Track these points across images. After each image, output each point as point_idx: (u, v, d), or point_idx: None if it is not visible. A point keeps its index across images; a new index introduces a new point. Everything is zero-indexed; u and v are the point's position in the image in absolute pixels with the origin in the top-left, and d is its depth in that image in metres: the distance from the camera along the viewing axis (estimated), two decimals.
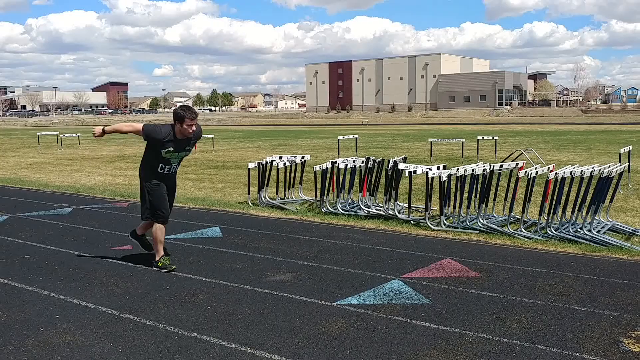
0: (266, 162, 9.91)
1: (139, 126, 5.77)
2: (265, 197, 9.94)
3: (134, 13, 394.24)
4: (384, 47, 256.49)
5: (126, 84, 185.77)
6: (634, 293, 5.09)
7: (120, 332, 4.30)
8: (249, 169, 10.07)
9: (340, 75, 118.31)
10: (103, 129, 5.85)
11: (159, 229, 5.98)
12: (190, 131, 5.76)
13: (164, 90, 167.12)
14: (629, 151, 11.96)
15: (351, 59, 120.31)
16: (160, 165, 5.87)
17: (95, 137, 5.90)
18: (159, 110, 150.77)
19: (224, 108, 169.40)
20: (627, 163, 10.97)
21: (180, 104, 6.96)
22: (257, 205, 9.85)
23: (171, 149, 5.78)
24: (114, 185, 13.41)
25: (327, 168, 9.15)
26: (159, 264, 5.97)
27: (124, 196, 11.35)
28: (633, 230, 7.54)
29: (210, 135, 27.07)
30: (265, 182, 9.92)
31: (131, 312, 4.72)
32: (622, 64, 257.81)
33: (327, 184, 9.24)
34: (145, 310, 4.76)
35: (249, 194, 10.22)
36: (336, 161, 9.27)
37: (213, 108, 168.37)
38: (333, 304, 4.89)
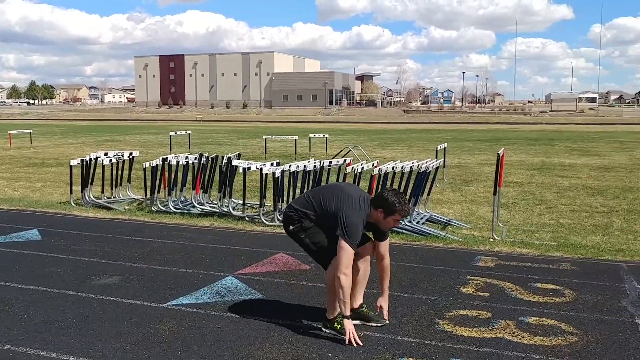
0: (90, 159, 9.34)
1: (350, 251, 4.00)
2: (89, 197, 9.36)
3: None
4: (217, 42, 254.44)
5: None
6: (448, 278, 5.55)
7: None
8: (71, 167, 9.42)
9: (172, 69, 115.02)
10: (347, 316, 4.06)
11: (331, 277, 4.19)
12: (391, 227, 4.27)
13: None
14: (445, 148, 13.05)
15: (184, 52, 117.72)
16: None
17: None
18: None
19: (44, 101, 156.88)
20: (443, 159, 11.96)
21: (394, 189, 4.37)
22: (81, 205, 9.25)
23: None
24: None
25: (157, 165, 8.85)
26: (337, 325, 4.21)
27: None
28: (448, 220, 8.23)
29: (28, 131, 24.92)
30: (90, 180, 9.35)
31: None
32: (440, 67, 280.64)
33: (157, 182, 8.93)
34: None
35: (71, 193, 9.56)
36: (167, 157, 8.99)
37: (31, 101, 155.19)
38: (164, 305, 4.74)
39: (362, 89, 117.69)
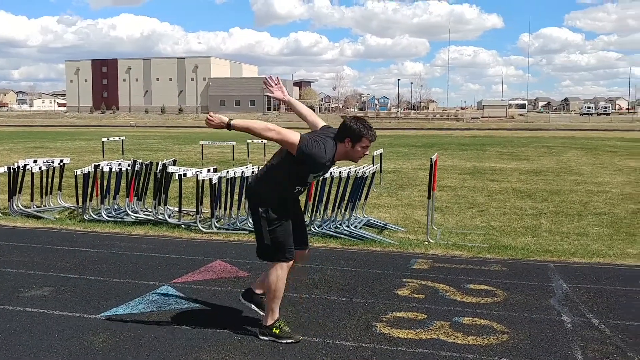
0: (18, 167, 8.98)
1: (292, 136, 3.87)
2: (17, 206, 9.00)
3: None
4: (152, 46, 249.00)
5: None
6: (385, 281, 5.63)
7: None
8: None
9: (104, 74, 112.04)
10: (229, 123, 3.94)
11: (280, 276, 4.12)
12: (361, 156, 4.09)
13: None
14: (381, 154, 13.25)
15: (117, 57, 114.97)
16: (297, 187, 4.13)
17: (210, 125, 3.97)
18: None
19: None
20: (379, 164, 12.15)
21: (352, 115, 4.21)
22: (8, 215, 8.88)
23: (322, 172, 4.14)
24: None
25: (89, 172, 8.59)
26: (276, 330, 4.16)
27: None
28: (384, 225, 8.36)
29: None
30: (18, 188, 8.99)
31: None
32: (376, 74, 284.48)
33: (89, 190, 8.68)
34: None
35: None
36: (99, 164, 8.75)
37: None
38: (97, 316, 4.60)
39: (300, 95, 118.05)
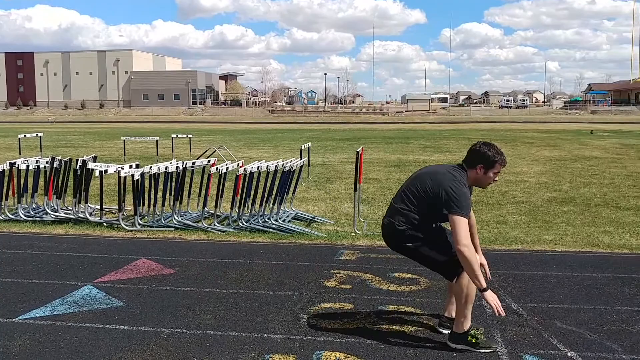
0: None
1: (465, 224, 3.71)
2: None
3: None
4: (71, 40, 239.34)
5: None
6: (314, 273, 5.68)
7: None
8: None
9: (20, 68, 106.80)
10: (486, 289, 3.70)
11: (465, 284, 3.82)
12: (491, 183, 4.02)
13: None
14: (309, 147, 13.31)
15: (33, 50, 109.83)
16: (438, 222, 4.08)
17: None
18: None
19: None
20: (307, 158, 12.20)
21: (481, 141, 4.10)
22: None
23: None
24: None
25: (4, 170, 8.19)
26: (472, 339, 3.90)
27: None
28: (313, 218, 8.42)
29: None
30: None
31: None
32: (303, 68, 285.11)
33: (5, 188, 8.27)
34: None
35: None
36: (16, 162, 8.35)
37: None
38: (14, 319, 4.41)
39: (226, 89, 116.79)
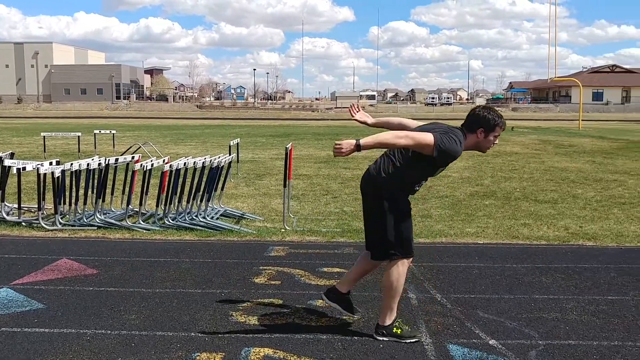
0: None
1: (427, 138, 3.71)
2: None
3: None
4: None
5: None
6: (242, 270, 5.64)
7: None
8: None
9: None
10: (358, 144, 3.76)
11: (401, 273, 3.95)
12: (491, 147, 4.01)
13: None
14: (237, 143, 13.20)
15: None
16: (420, 183, 4.04)
17: (340, 154, 3.76)
18: None
19: None
20: (236, 154, 12.10)
21: (480, 105, 4.25)
22: None
23: (444, 167, 4.03)
24: None
25: None
26: (397, 330, 4.00)
27: None
28: (242, 214, 8.36)
29: None
30: None
31: None
32: (232, 64, 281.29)
33: None
34: None
35: None
36: None
37: None
38: None
39: (152, 83, 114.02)
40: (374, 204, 3.99)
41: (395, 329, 3.99)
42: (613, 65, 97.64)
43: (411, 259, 4.08)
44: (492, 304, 4.76)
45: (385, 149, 4.09)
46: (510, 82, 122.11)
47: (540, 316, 4.50)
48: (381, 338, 3.99)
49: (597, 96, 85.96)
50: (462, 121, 4.00)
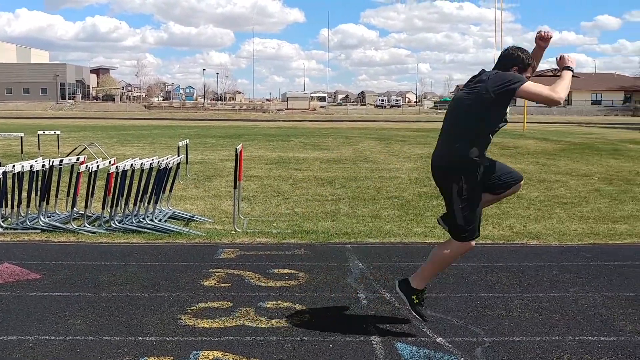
0: None
1: (532, 84, 3.85)
2: None
3: None
4: None
5: None
6: (191, 273, 5.58)
7: None
8: None
9: None
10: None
11: (451, 254, 4.07)
12: None
13: None
14: (187, 144, 13.03)
15: None
16: (489, 137, 3.99)
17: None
18: None
19: None
20: (185, 155, 11.94)
21: (513, 45, 4.19)
22: None
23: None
24: None
25: None
26: (415, 298, 4.13)
27: None
28: (191, 216, 8.26)
29: None
30: None
31: None
32: (181, 63, 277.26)
33: None
34: None
35: None
36: None
37: None
38: None
39: (98, 83, 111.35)
40: (446, 187, 4.00)
41: (414, 296, 4.13)
42: (556, 69, 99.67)
43: (472, 245, 4.10)
44: (439, 302, 4.85)
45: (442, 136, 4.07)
46: (457, 85, 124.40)
47: (485, 314, 4.61)
48: (399, 291, 4.16)
49: None
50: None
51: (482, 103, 3.82)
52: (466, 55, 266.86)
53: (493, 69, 4.03)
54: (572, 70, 3.96)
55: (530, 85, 3.80)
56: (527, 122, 39.80)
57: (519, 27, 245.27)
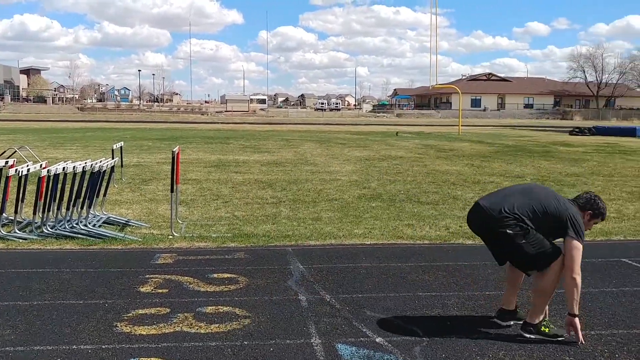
0: None
1: (577, 253, 4.10)
2: None
3: None
4: None
5: None
6: (127, 279, 5.44)
7: None
8: None
9: None
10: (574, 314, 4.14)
11: (553, 279, 4.21)
12: (585, 231, 4.22)
13: None
14: (121, 147, 12.72)
15: None
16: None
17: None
18: None
19: None
20: (120, 158, 11.65)
21: (593, 192, 4.49)
22: None
23: None
24: None
25: None
26: (545, 329, 4.23)
27: None
28: (126, 221, 8.06)
29: None
30: None
31: None
32: (115, 64, 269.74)
33: None
34: None
35: None
36: None
37: None
38: None
39: (29, 84, 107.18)
40: (501, 237, 4.21)
41: (543, 327, 4.23)
42: (489, 74, 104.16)
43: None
44: (379, 302, 4.91)
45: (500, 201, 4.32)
46: (395, 89, 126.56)
47: (423, 313, 4.70)
48: (528, 335, 4.21)
49: (476, 103, 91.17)
50: (575, 195, 4.49)
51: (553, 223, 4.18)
52: (403, 59, 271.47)
53: (574, 199, 4.35)
54: (574, 316, 4.14)
55: (576, 244, 4.10)
56: (462, 125, 40.87)
57: (454, 32, 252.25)
